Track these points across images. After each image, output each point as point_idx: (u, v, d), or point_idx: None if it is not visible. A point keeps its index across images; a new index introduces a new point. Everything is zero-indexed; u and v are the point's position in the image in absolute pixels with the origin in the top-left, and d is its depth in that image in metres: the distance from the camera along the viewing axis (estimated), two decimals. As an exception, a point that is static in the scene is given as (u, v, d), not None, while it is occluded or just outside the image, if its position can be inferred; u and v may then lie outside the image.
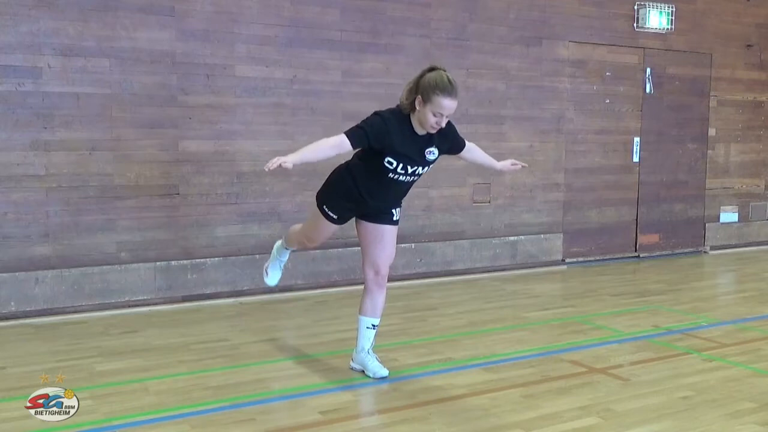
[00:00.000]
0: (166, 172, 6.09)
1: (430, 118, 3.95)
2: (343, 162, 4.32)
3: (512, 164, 4.72)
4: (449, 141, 4.26)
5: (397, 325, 5.54)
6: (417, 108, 3.98)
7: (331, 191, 4.30)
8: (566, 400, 4.07)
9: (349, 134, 3.95)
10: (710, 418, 3.86)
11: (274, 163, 3.71)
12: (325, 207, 4.30)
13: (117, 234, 5.95)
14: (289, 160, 3.75)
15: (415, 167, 4.13)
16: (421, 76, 3.99)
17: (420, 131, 4.06)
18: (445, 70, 4.00)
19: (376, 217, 4.31)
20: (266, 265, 5.04)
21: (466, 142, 4.46)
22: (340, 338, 5.18)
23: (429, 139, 4.11)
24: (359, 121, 4.05)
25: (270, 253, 5.06)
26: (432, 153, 4.16)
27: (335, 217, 4.32)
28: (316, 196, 4.38)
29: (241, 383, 4.29)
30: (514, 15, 7.60)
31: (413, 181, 4.25)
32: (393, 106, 4.16)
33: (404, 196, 4.38)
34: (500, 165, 4.72)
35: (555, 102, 7.96)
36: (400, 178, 4.13)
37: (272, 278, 5.02)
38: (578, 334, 5.45)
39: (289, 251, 4.94)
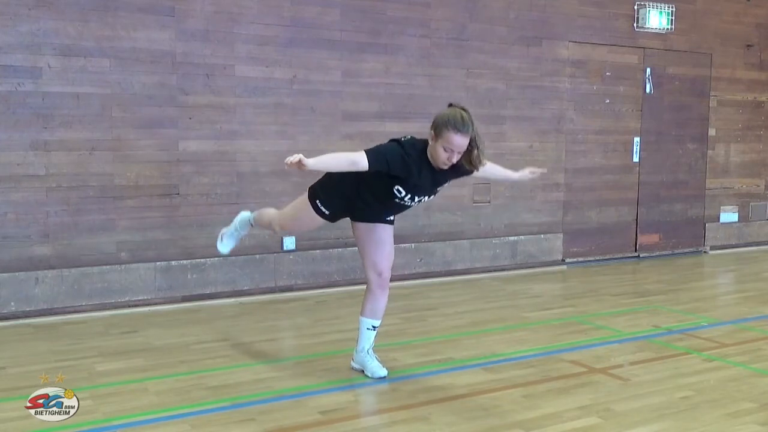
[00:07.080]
0: (166, 172, 6.09)
1: (441, 154, 3.89)
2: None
3: (531, 172, 4.53)
4: (461, 173, 4.17)
5: (397, 325, 5.53)
6: (430, 143, 3.94)
7: (329, 189, 4.25)
8: (566, 400, 4.07)
9: (370, 156, 3.85)
10: (710, 418, 3.86)
11: (295, 158, 3.67)
12: (318, 202, 4.25)
13: (117, 234, 5.96)
14: (308, 162, 3.72)
15: (422, 197, 4.13)
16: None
17: (435, 165, 3.99)
18: (464, 109, 3.93)
19: (370, 217, 4.30)
20: (224, 231, 4.96)
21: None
22: (340, 338, 5.18)
23: (443, 173, 4.06)
24: (378, 144, 3.99)
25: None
26: (442, 186, 4.17)
27: (327, 213, 4.28)
28: (310, 189, 4.32)
29: (241, 383, 4.29)
30: (514, 15, 7.60)
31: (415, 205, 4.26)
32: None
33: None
34: (518, 175, 4.55)
35: (555, 102, 7.96)
36: (406, 203, 4.13)
37: (226, 246, 4.95)
38: (578, 334, 5.46)
39: (249, 227, 4.90)
